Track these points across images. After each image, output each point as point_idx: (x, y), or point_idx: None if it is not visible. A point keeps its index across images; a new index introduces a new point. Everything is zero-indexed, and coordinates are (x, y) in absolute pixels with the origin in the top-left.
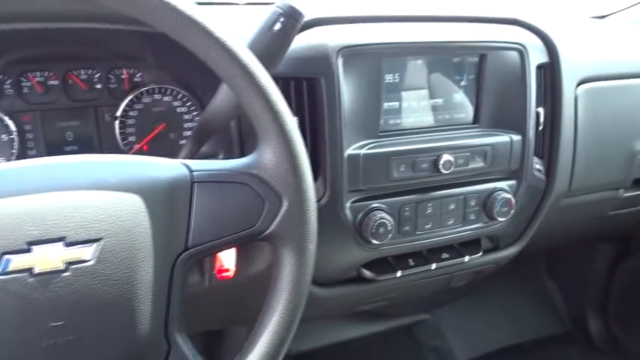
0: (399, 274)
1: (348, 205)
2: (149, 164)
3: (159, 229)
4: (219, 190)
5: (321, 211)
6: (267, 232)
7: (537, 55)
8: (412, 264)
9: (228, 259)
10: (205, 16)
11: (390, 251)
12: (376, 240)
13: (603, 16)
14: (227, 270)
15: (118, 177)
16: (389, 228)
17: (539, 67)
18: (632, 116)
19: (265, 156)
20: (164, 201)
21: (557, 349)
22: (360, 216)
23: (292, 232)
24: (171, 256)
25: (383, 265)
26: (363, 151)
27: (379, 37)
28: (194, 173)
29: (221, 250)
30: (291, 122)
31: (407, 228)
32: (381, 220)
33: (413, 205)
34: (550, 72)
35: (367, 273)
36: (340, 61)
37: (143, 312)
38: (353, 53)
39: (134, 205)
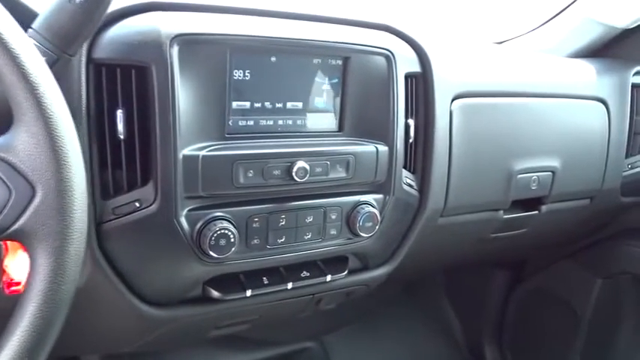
0: (248, 293)
1: (184, 213)
2: None
3: None
4: None
5: (151, 218)
6: (13, 228)
7: (406, 64)
8: (266, 282)
9: (16, 270)
10: None
11: (240, 267)
12: (216, 253)
13: (502, 42)
14: (17, 284)
15: None
16: (232, 240)
17: (410, 77)
18: (509, 135)
19: (18, 136)
20: None
21: None
22: (199, 226)
23: (47, 229)
24: None
25: (233, 282)
26: (202, 153)
27: (225, 28)
28: None
29: None
30: (53, 95)
31: (256, 241)
32: (222, 231)
33: (263, 215)
34: (422, 83)
35: (213, 291)
36: (175, 50)
37: None
38: (192, 42)
39: None
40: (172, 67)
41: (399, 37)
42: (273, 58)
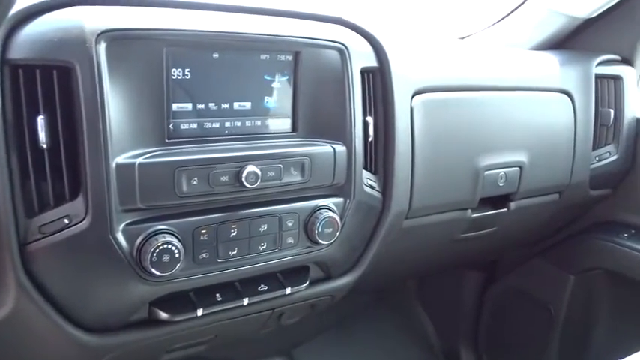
0: (200, 312)
1: (121, 227)
2: None
3: None
4: None
5: (83, 236)
6: None
7: (362, 58)
8: (220, 299)
9: None
10: None
11: (189, 284)
12: (159, 270)
13: (465, 37)
14: None
15: None
16: (176, 255)
17: (366, 72)
18: (474, 131)
19: None
20: None
21: None
22: (138, 241)
23: None
24: None
25: (183, 301)
26: (139, 161)
27: (159, 23)
28: None
29: None
30: None
31: (204, 255)
32: (165, 246)
33: (211, 227)
34: (380, 78)
35: (160, 313)
36: (102, 48)
37: None
38: (121, 39)
39: None
40: (99, 66)
41: (354, 31)
42: (215, 55)
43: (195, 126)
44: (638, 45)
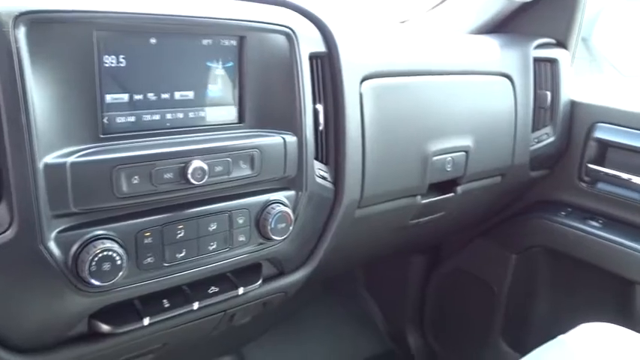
0: (146, 321)
1: (53, 235)
2: None
3: None
4: None
5: (9, 247)
6: None
7: (310, 43)
8: (168, 305)
9: None
10: None
11: (133, 292)
12: (100, 280)
13: (404, 22)
14: None
15: None
16: (118, 262)
17: (314, 58)
18: (422, 116)
19: None
20: None
21: None
22: (74, 249)
23: None
24: None
25: (127, 310)
26: (70, 160)
27: (88, 4)
28: None
29: None
30: None
31: (149, 260)
32: (106, 253)
33: (156, 228)
34: (329, 64)
35: (102, 325)
36: (22, 33)
37: None
38: (45, 22)
39: None
40: (19, 53)
41: (301, 14)
42: (152, 40)
43: (132, 119)
44: (571, 29)
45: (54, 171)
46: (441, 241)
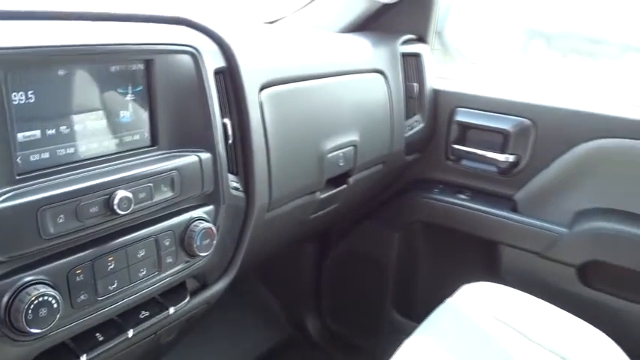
0: (84, 359)
1: None
2: None
3: None
4: None
5: None
6: None
7: (213, 60)
8: (102, 339)
9: None
10: None
11: (69, 332)
12: (39, 327)
13: (273, 22)
14: None
15: None
16: (55, 305)
17: (218, 73)
18: (314, 118)
19: None
20: None
21: (282, 358)
22: (5, 300)
23: None
24: None
25: (60, 352)
26: None
27: None
28: None
29: None
30: None
31: (83, 297)
32: (41, 298)
33: (87, 264)
34: (230, 78)
35: None
36: None
37: None
38: None
39: None
40: None
41: (200, 31)
42: (61, 72)
43: (47, 155)
44: (429, 25)
45: None
46: (331, 227)
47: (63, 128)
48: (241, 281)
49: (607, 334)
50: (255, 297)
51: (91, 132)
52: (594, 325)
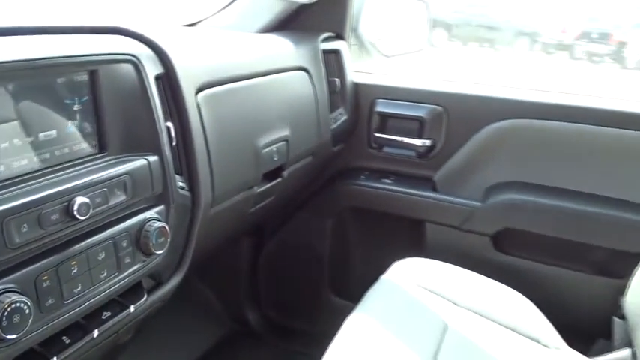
0: None
1: None
2: None
3: None
4: None
5: None
6: None
7: (152, 66)
8: (68, 341)
9: None
10: None
11: (40, 336)
12: (13, 333)
13: (193, 24)
14: None
15: None
16: (27, 311)
17: (157, 79)
18: (248, 116)
19: None
20: None
21: (227, 352)
22: None
23: None
24: None
25: (30, 358)
26: None
27: None
28: None
29: None
30: None
31: (51, 301)
32: (14, 305)
33: (52, 270)
34: (168, 83)
35: None
36: None
37: None
38: None
39: None
40: None
41: (136, 39)
42: (10, 86)
43: (2, 168)
44: (345, 22)
45: None
46: (265, 221)
47: (16, 141)
48: (181, 282)
49: (521, 292)
50: (196, 296)
51: (42, 143)
52: (510, 286)
